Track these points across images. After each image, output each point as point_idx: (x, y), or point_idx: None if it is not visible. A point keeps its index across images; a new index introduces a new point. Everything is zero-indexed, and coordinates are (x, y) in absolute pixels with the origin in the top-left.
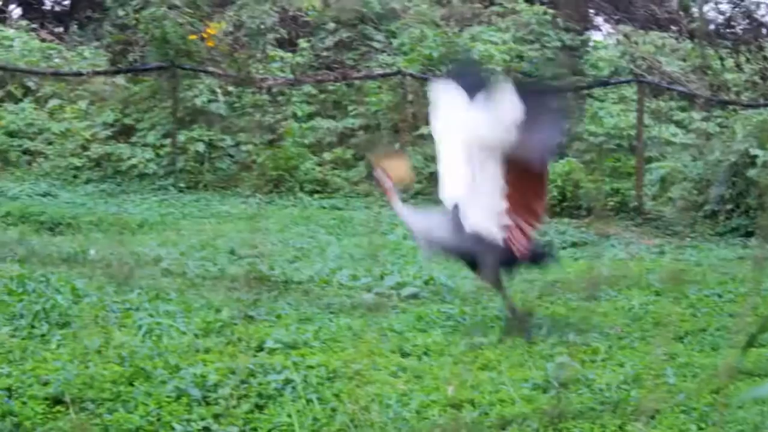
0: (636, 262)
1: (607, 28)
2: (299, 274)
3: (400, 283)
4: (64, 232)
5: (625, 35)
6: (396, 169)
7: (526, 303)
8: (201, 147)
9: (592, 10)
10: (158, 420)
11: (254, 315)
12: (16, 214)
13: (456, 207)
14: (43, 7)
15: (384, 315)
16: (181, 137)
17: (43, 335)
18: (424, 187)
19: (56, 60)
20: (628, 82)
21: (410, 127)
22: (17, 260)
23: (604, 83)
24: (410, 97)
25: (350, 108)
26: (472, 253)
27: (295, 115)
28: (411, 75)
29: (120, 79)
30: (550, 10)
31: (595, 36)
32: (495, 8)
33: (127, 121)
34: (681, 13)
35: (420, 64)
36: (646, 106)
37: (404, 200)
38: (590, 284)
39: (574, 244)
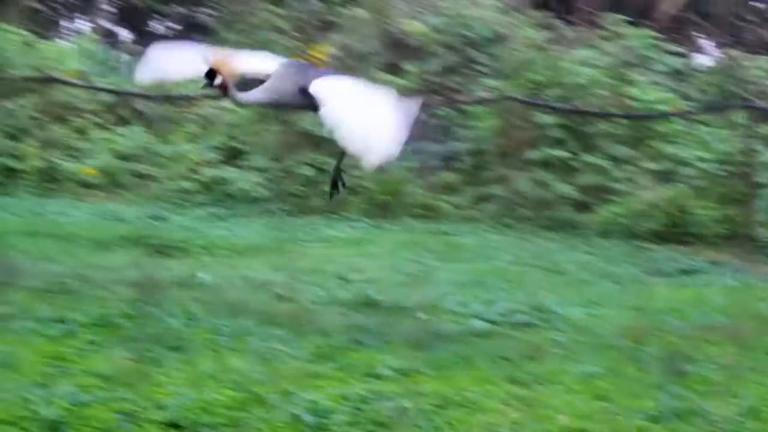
0: (748, 290)
1: (714, 51)
2: (408, 300)
3: (509, 309)
4: (175, 255)
5: (733, 59)
6: (226, 65)
7: (637, 332)
8: (309, 171)
9: (699, 34)
10: None
11: (364, 341)
12: (129, 237)
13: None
14: (154, 32)
15: (494, 342)
16: (289, 161)
17: (157, 359)
18: None
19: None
20: (736, 107)
21: (516, 151)
22: (131, 284)
23: (712, 108)
24: (516, 121)
25: (456, 132)
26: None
27: None
28: (517, 99)
29: (228, 103)
30: (656, 34)
31: (703, 60)
32: (600, 32)
33: (235, 144)
34: None
35: (526, 88)
36: (755, 132)
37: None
38: (742, 330)
39: (683, 272)
